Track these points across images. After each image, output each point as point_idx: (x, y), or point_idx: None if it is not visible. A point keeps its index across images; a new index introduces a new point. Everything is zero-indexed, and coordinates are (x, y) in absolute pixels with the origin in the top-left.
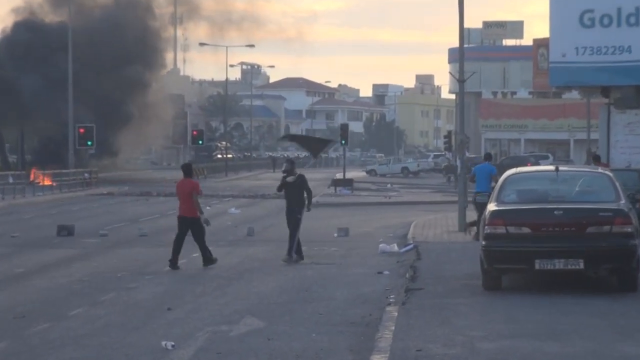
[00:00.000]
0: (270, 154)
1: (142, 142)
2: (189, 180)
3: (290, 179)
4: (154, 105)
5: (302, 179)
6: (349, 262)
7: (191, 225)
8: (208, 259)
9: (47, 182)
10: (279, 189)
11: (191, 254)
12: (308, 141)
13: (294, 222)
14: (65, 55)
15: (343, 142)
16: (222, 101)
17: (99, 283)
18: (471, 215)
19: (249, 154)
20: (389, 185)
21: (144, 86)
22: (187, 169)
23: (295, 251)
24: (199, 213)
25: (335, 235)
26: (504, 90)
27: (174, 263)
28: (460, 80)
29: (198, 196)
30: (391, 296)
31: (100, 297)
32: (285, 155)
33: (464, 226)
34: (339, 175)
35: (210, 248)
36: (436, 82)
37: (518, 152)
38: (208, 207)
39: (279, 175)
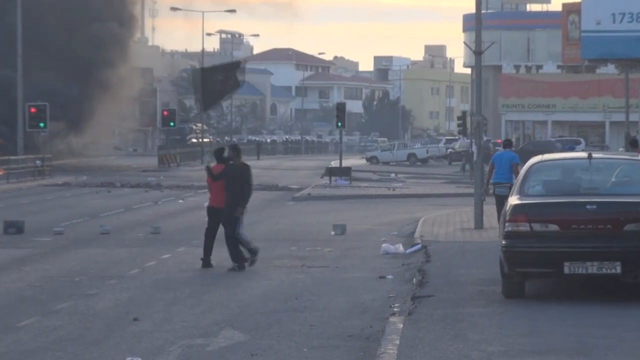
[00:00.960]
0: (255, 138)
1: (106, 123)
2: (221, 167)
3: (226, 154)
4: (118, 79)
5: (247, 171)
6: (346, 264)
7: (219, 215)
8: (235, 257)
9: None
10: (218, 177)
11: (161, 255)
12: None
13: (231, 224)
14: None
15: (339, 124)
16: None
17: (53, 289)
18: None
19: (229, 138)
20: (393, 175)
21: (122, 46)
22: (221, 155)
23: (234, 257)
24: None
25: (333, 233)
26: (528, 64)
27: (206, 262)
28: (476, 52)
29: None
30: (395, 305)
31: (55, 305)
32: (271, 139)
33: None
34: (335, 163)
35: (182, 248)
36: (448, 54)
37: (544, 136)
38: (181, 200)
39: (263, 163)
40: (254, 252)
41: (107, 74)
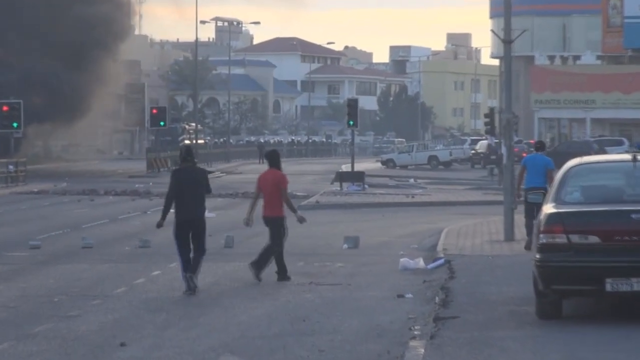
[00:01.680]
0: (256, 138)
1: (89, 122)
2: (273, 172)
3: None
4: (107, 71)
5: (203, 174)
6: (359, 282)
7: (272, 224)
8: (258, 266)
9: None
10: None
11: (150, 272)
12: None
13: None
14: None
15: (351, 123)
16: (190, 69)
17: (29, 310)
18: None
19: (227, 139)
20: (412, 180)
21: (113, 33)
22: (274, 158)
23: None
24: (292, 211)
25: (344, 247)
26: (564, 54)
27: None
28: (506, 40)
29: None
30: (416, 327)
31: (32, 328)
32: (276, 140)
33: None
34: (346, 167)
35: (174, 264)
36: (474, 44)
37: (583, 136)
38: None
39: (266, 167)
40: (191, 287)
41: (95, 64)
